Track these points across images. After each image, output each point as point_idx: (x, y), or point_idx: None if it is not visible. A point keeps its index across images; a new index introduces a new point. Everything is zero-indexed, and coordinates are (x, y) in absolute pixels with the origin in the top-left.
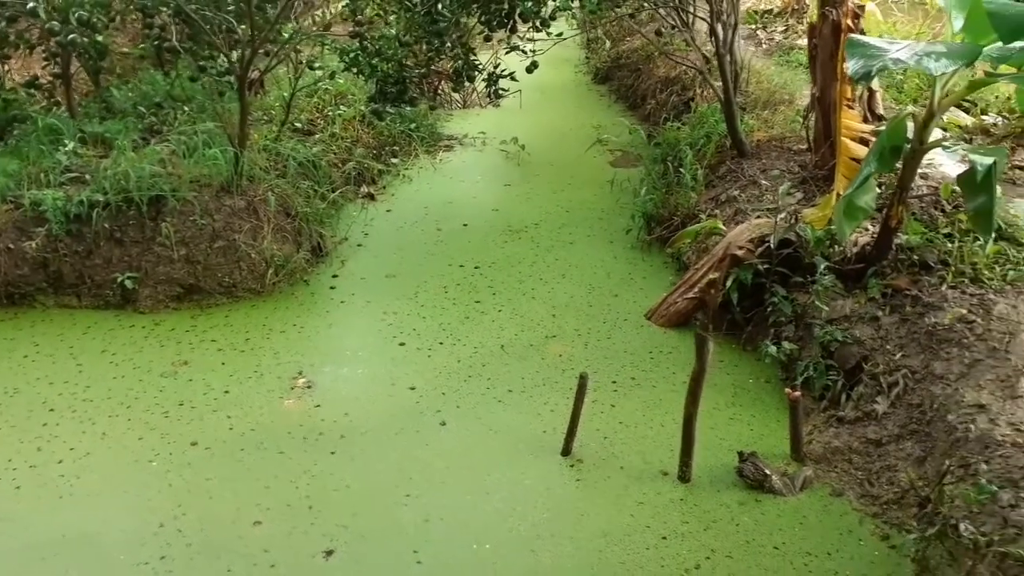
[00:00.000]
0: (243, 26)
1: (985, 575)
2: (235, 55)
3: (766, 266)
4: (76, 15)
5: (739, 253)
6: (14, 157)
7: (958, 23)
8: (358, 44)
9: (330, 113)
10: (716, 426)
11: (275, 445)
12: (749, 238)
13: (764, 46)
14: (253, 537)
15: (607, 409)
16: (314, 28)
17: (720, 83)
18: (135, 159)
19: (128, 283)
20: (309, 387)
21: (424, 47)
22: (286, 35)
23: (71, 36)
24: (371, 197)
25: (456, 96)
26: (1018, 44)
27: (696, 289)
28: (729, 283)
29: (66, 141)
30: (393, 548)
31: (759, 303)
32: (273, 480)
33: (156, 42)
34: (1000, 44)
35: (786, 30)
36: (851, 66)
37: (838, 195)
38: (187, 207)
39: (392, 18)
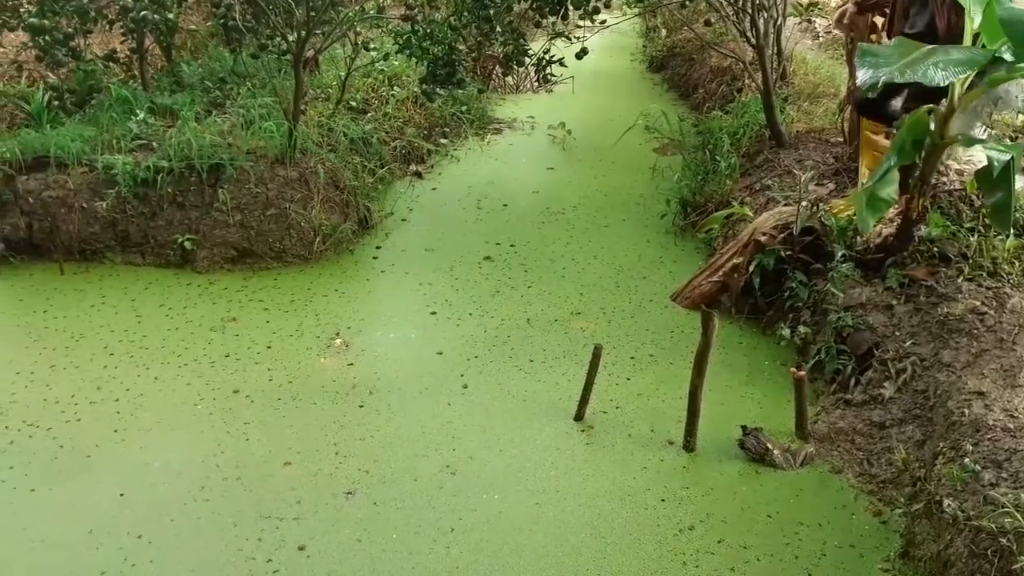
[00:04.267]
0: (300, 8)
1: (962, 548)
2: (292, 35)
3: (788, 252)
4: None
5: (763, 239)
6: (91, 124)
7: (977, 21)
8: (410, 27)
9: (384, 93)
10: (727, 402)
11: (309, 397)
12: (773, 225)
13: (820, 39)
14: (283, 475)
15: (623, 381)
16: (370, 11)
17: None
18: (198, 129)
19: (187, 244)
20: (345, 347)
21: (474, 31)
22: (344, 17)
23: (143, 13)
24: (419, 175)
25: (509, 80)
26: None
27: (720, 273)
28: (752, 268)
29: (137, 111)
30: (408, 493)
31: (780, 288)
32: (304, 428)
33: (222, 21)
34: None
35: None
36: (860, 76)
37: (862, 186)
38: (243, 176)
39: (442, 2)
